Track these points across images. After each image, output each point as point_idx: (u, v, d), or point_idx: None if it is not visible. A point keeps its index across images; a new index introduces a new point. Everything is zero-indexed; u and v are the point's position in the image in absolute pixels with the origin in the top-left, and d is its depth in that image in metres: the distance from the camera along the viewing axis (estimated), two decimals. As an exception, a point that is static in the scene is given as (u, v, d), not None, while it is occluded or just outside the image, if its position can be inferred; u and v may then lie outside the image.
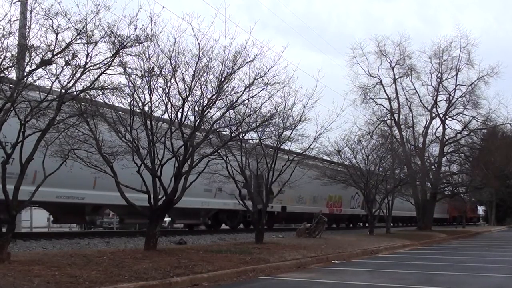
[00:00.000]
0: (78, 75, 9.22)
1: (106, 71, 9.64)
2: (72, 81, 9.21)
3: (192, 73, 11.73)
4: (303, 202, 29.80)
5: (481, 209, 79.65)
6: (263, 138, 15.70)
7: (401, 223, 46.75)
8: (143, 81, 11.22)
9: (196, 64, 11.70)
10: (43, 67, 8.83)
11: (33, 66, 8.74)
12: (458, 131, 37.30)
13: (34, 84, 9.04)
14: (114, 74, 10.07)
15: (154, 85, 11.44)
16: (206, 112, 12.23)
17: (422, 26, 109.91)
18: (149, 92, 11.36)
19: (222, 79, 12.03)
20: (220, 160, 14.80)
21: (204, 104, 12.03)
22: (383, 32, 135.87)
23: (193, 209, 21.27)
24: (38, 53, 8.69)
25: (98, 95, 10.17)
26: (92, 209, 17.43)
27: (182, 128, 11.93)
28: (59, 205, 15.88)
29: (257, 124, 14.01)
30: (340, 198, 33.95)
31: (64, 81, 9.17)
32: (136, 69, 10.94)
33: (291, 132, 15.78)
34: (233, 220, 25.78)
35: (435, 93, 37.23)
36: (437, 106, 37.47)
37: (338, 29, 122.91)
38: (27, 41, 8.76)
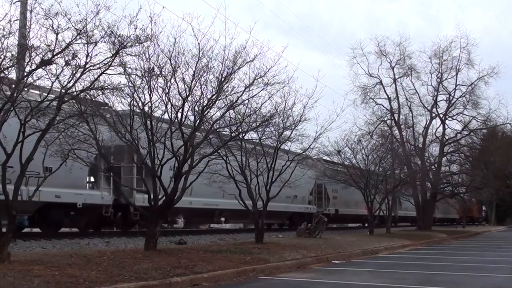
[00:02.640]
0: (78, 75, 9.21)
1: (106, 71, 9.64)
2: (72, 81, 9.21)
3: (192, 73, 11.72)
4: (349, 206, 35.18)
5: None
6: (263, 138, 15.71)
7: (411, 222, 46.61)
8: (143, 81, 11.21)
9: (196, 64, 11.69)
10: (43, 67, 8.83)
11: (33, 66, 8.73)
12: (458, 131, 37.30)
13: (34, 84, 9.05)
14: (114, 74, 10.07)
15: (154, 85, 11.43)
16: (206, 112, 12.22)
17: (424, 26, 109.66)
18: (149, 92, 11.35)
19: (222, 79, 12.02)
20: (220, 160, 14.80)
21: (204, 104, 12.02)
22: (386, 32, 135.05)
23: (279, 212, 26.93)
24: (38, 53, 8.68)
25: (98, 95, 10.17)
26: (219, 214, 23.58)
27: (182, 128, 11.92)
28: (194, 210, 20.99)
29: (257, 124, 14.00)
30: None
31: (64, 81, 9.18)
32: (136, 69, 10.93)
33: (291, 132, 15.76)
34: (302, 221, 29.95)
35: (435, 93, 37.26)
36: (437, 106, 37.52)
37: (340, 29, 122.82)
38: (27, 41, 8.75)
